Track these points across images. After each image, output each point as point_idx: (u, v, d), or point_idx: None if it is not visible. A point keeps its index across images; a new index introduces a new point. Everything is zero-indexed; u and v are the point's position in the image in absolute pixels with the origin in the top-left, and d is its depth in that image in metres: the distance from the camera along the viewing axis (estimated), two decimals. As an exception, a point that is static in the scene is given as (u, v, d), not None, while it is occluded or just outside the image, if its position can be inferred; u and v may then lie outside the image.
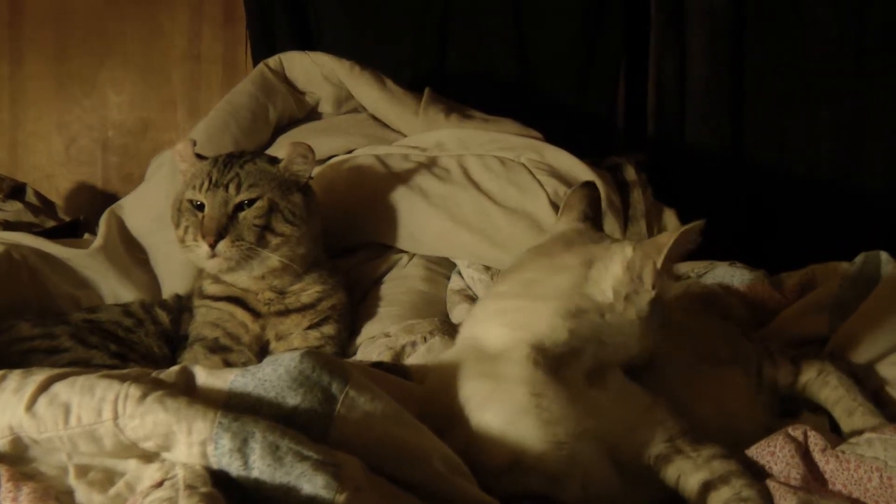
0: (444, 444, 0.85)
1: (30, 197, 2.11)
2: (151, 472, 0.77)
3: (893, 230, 1.98)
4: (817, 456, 0.95)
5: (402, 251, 1.71)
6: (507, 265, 1.09)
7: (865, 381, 1.20)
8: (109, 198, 2.26)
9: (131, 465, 0.80)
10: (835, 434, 1.10)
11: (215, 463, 0.75)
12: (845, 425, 1.12)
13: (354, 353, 1.47)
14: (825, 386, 1.17)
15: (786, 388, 1.20)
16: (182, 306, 1.52)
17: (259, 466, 0.74)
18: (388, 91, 1.92)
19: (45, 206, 2.12)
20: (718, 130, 2.15)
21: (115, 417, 0.77)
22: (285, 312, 1.47)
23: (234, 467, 0.74)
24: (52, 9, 2.45)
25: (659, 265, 0.95)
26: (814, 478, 0.93)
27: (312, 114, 2.00)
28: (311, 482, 0.72)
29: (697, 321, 1.23)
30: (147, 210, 1.71)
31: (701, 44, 2.12)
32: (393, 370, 1.05)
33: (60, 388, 0.79)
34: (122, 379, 0.79)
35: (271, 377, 0.81)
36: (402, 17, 2.25)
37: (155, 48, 2.43)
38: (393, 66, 2.08)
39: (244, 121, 1.85)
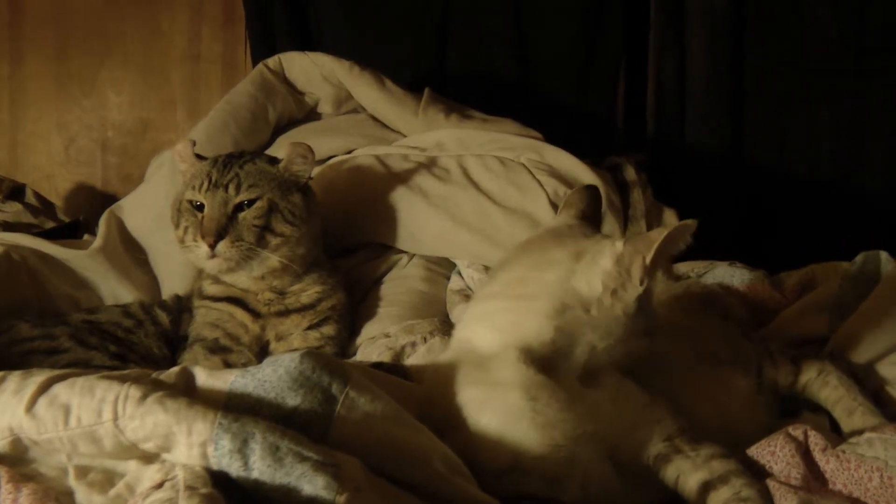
0: (443, 445, 0.85)
1: (29, 198, 2.11)
2: (151, 473, 0.77)
3: (893, 230, 1.98)
4: (818, 455, 0.95)
5: (401, 251, 1.71)
6: (499, 261, 1.08)
7: (865, 381, 1.20)
8: (109, 198, 2.26)
9: (131, 466, 0.80)
10: (835, 434, 1.10)
11: (215, 464, 0.75)
12: (845, 425, 1.12)
13: (354, 354, 1.47)
14: (825, 386, 1.17)
15: (786, 388, 1.20)
16: (182, 307, 1.52)
17: (259, 467, 0.73)
18: (388, 91, 1.92)
19: (44, 206, 2.12)
20: (718, 130, 2.15)
21: (115, 418, 0.77)
22: (285, 313, 1.47)
23: (234, 468, 0.74)
24: (52, 9, 2.45)
25: (648, 261, 0.94)
26: (814, 477, 0.93)
27: (312, 114, 2.00)
28: (312, 483, 0.72)
29: (697, 321, 1.23)
30: (147, 210, 1.71)
31: (701, 44, 2.13)
32: (393, 371, 1.05)
33: (60, 390, 0.79)
34: (122, 380, 0.79)
35: (271, 378, 0.81)
36: (402, 17, 2.25)
37: (155, 48, 2.43)
38: (393, 66, 2.08)
39: (244, 121, 1.85)
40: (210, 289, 1.49)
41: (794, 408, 1.20)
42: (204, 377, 0.83)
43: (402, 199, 1.68)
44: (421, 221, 1.67)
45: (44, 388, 0.79)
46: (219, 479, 0.75)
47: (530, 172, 1.70)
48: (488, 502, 0.82)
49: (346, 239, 1.71)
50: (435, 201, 1.67)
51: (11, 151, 2.49)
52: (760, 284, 1.50)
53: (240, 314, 1.46)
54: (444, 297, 1.63)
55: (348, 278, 1.62)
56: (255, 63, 2.12)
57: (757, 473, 0.93)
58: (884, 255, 1.43)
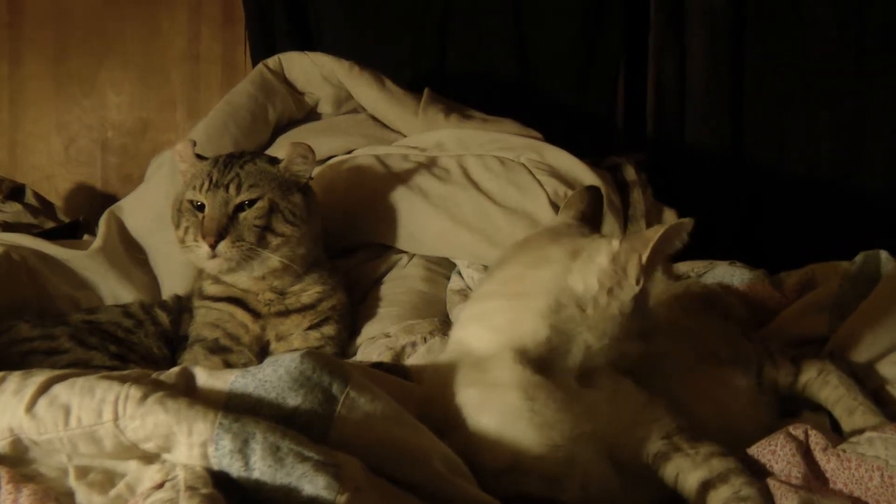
0: (443, 445, 0.85)
1: (29, 198, 2.11)
2: (152, 474, 0.77)
3: (893, 230, 1.97)
4: (818, 455, 0.95)
5: (401, 251, 1.71)
6: (496, 259, 1.07)
7: (866, 381, 1.20)
8: (109, 198, 2.26)
9: (132, 467, 0.80)
10: (835, 433, 1.10)
11: (216, 464, 0.75)
12: (846, 424, 1.12)
13: (354, 354, 1.47)
14: (825, 385, 1.17)
15: (786, 387, 1.20)
16: (182, 307, 1.52)
17: (260, 467, 0.73)
18: (388, 91, 1.92)
19: (44, 207, 2.12)
20: (718, 130, 2.15)
21: (116, 419, 0.77)
22: (285, 313, 1.47)
23: (234, 468, 0.74)
24: (52, 9, 2.45)
25: (644, 259, 0.93)
26: (815, 477, 0.93)
27: (312, 114, 2.00)
28: (312, 483, 0.72)
29: (697, 321, 1.23)
30: (146, 210, 1.71)
31: (700, 44, 2.13)
32: (393, 371, 1.05)
33: (60, 390, 0.79)
34: (123, 380, 0.79)
35: (272, 378, 0.81)
36: (401, 17, 2.25)
37: (154, 48, 2.43)
38: (393, 66, 2.08)
39: (243, 121, 1.85)
40: (210, 289, 1.49)
41: (794, 407, 1.20)
42: (204, 377, 0.83)
43: (402, 199, 1.68)
44: (421, 221, 1.67)
45: (44, 389, 0.79)
46: (219, 480, 0.75)
47: (530, 172, 1.70)
48: (488, 502, 0.82)
49: (346, 239, 1.71)
50: (435, 201, 1.67)
51: (11, 152, 2.49)
52: (760, 284, 1.50)
53: (240, 314, 1.46)
54: (444, 297, 1.63)
55: (348, 278, 1.62)
56: (254, 63, 2.11)
57: (757, 472, 0.93)
58: (884, 254, 1.43)
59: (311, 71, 1.95)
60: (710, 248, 1.57)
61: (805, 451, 0.95)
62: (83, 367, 1.27)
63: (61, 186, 2.47)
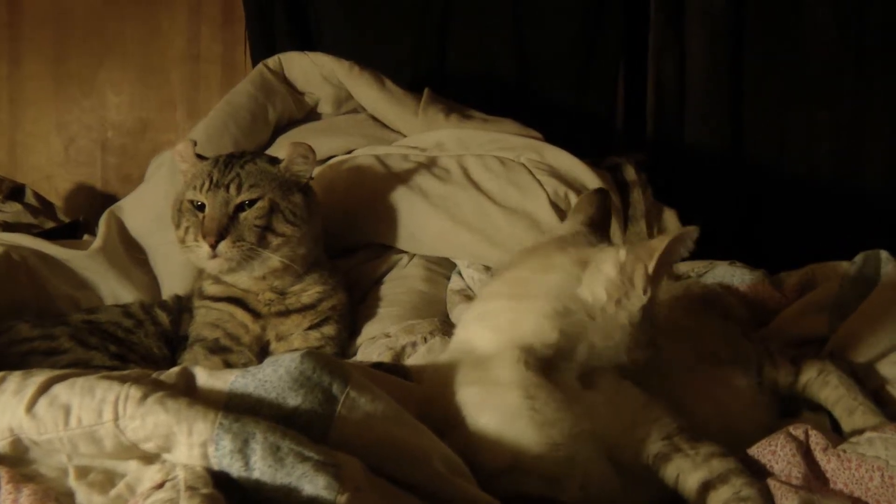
0: (444, 445, 0.85)
1: (29, 198, 2.11)
2: (152, 474, 0.77)
3: (893, 230, 1.98)
4: (818, 455, 0.95)
5: (402, 251, 1.71)
6: (503, 263, 1.08)
7: (866, 381, 1.20)
8: (108, 198, 2.26)
9: (132, 467, 0.80)
10: (836, 433, 1.10)
11: (216, 464, 0.75)
12: (846, 424, 1.12)
13: (354, 354, 1.47)
14: (825, 385, 1.17)
15: (786, 388, 1.20)
16: (182, 307, 1.52)
17: (260, 467, 0.73)
18: (388, 91, 1.92)
19: (44, 207, 2.12)
20: (718, 130, 2.15)
21: (116, 419, 0.77)
22: (286, 313, 1.47)
23: (235, 468, 0.74)
24: (51, 9, 2.45)
25: (651, 270, 0.94)
26: (815, 477, 0.93)
27: (312, 114, 2.00)
28: (313, 483, 0.72)
29: (697, 321, 1.23)
30: (146, 211, 1.71)
31: (700, 44, 2.13)
32: (393, 371, 1.05)
33: (60, 390, 0.79)
34: (123, 380, 0.79)
35: (272, 378, 0.81)
36: (401, 17, 2.25)
37: (154, 48, 2.43)
38: (392, 66, 2.08)
39: (243, 121, 1.85)
40: (210, 289, 1.49)
41: (794, 408, 1.20)
42: (204, 377, 0.83)
43: (402, 199, 1.68)
44: (421, 221, 1.67)
45: (44, 389, 0.79)
46: (219, 480, 0.75)
47: (530, 172, 1.70)
48: (488, 502, 0.82)
49: (346, 239, 1.71)
50: (435, 201, 1.67)
51: (11, 152, 2.49)
52: (760, 284, 1.50)
53: (240, 314, 1.46)
54: (444, 297, 1.63)
55: (348, 278, 1.62)
56: (254, 63, 2.11)
57: (757, 473, 0.93)
58: (884, 254, 1.42)
59: (311, 71, 1.95)
60: (710, 248, 1.56)
61: (805, 452, 0.95)
62: (83, 367, 1.27)
63: (61, 186, 2.47)
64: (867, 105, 2.11)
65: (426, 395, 0.96)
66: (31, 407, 0.78)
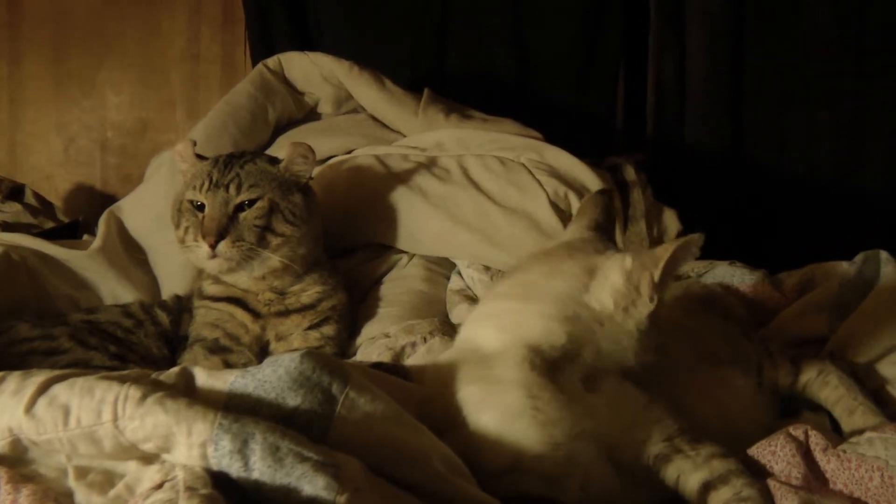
0: (443, 445, 0.85)
1: (28, 198, 2.11)
2: (151, 474, 0.77)
3: (893, 230, 1.97)
4: (818, 455, 0.95)
5: (401, 251, 1.71)
6: (509, 266, 1.09)
7: (866, 381, 1.20)
8: (108, 198, 2.26)
9: (131, 467, 0.80)
10: (836, 433, 1.10)
11: (215, 464, 0.75)
12: (846, 424, 1.12)
13: (354, 354, 1.47)
14: (825, 385, 1.17)
15: (786, 388, 1.20)
16: (181, 307, 1.52)
17: (259, 468, 0.73)
18: (388, 91, 1.92)
19: (43, 207, 2.11)
20: (718, 130, 2.14)
21: (115, 419, 0.77)
22: (285, 313, 1.47)
23: (234, 469, 0.74)
24: (51, 9, 2.45)
25: (657, 278, 0.95)
26: (815, 477, 0.93)
27: (311, 114, 2.00)
28: (312, 483, 0.72)
29: (697, 321, 1.23)
30: (146, 211, 1.71)
31: (700, 44, 2.12)
32: (393, 371, 1.05)
33: (60, 390, 0.79)
34: (122, 380, 0.79)
35: (271, 378, 0.81)
36: (401, 17, 2.25)
37: (154, 49, 2.43)
38: (392, 66, 2.08)
39: (243, 121, 1.85)
40: (210, 289, 1.49)
41: (794, 408, 1.20)
42: (204, 377, 0.83)
43: (401, 199, 1.68)
44: (421, 221, 1.67)
45: (43, 389, 0.79)
46: (219, 480, 0.75)
47: (530, 172, 1.70)
48: (488, 502, 0.82)
49: (346, 239, 1.71)
50: (435, 201, 1.67)
51: (10, 152, 2.49)
52: (760, 284, 1.50)
53: (240, 314, 1.46)
54: (444, 297, 1.63)
55: (348, 278, 1.62)
56: (254, 63, 2.11)
57: (757, 473, 0.93)
58: (884, 254, 1.42)
59: (310, 71, 1.95)
60: (710, 248, 1.56)
61: (805, 452, 0.95)
62: (83, 367, 1.27)
63: (61, 186, 2.47)
64: (867, 105, 2.11)
65: (426, 395, 0.96)
66: (30, 407, 0.78)
